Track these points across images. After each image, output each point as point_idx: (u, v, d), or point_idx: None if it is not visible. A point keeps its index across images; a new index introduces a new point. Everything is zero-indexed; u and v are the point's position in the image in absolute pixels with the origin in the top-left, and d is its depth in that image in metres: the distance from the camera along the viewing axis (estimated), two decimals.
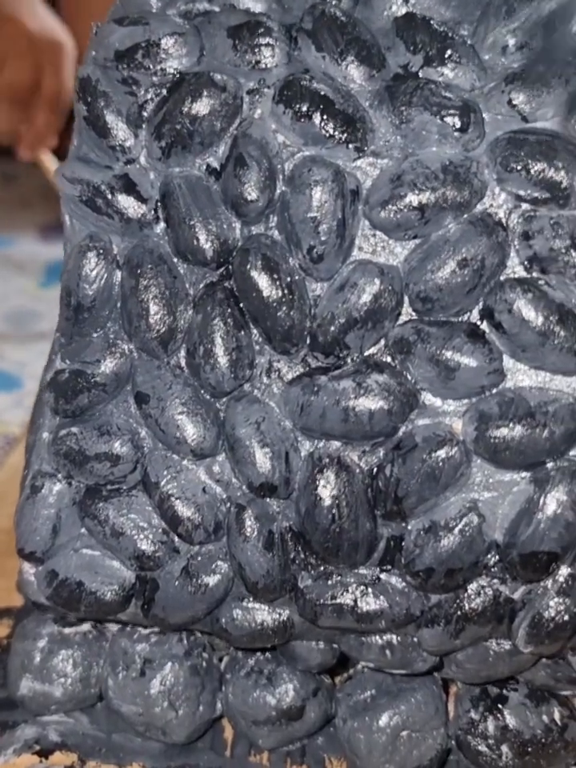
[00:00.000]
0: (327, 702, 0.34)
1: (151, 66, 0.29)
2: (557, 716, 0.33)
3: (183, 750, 0.34)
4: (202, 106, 0.29)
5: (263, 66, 0.29)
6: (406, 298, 0.28)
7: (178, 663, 0.33)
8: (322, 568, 0.30)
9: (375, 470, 0.29)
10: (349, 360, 0.29)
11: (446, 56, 0.28)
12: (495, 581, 0.29)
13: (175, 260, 0.30)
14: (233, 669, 0.34)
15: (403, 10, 0.29)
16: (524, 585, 0.29)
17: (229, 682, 0.34)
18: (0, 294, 0.65)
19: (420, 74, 0.28)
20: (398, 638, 0.31)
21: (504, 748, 0.32)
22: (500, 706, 0.33)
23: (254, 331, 0.29)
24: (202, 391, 0.30)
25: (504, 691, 0.33)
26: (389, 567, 0.29)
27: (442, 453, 0.28)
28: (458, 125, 0.27)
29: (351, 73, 0.29)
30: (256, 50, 0.29)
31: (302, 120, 0.28)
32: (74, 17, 0.79)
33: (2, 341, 0.60)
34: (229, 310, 0.29)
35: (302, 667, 0.33)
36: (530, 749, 0.32)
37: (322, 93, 0.28)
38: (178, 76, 0.29)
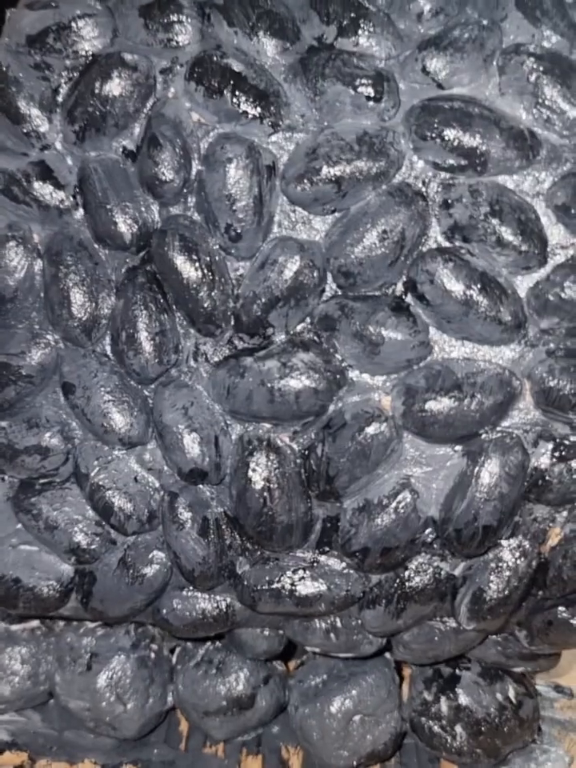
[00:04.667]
0: (280, 689, 0.33)
1: (63, 49, 0.29)
2: (511, 693, 0.32)
3: (136, 745, 0.33)
4: (113, 87, 0.28)
5: (175, 43, 0.28)
6: (329, 274, 0.28)
7: (124, 656, 0.32)
8: (259, 553, 0.29)
9: (306, 450, 0.28)
10: (275, 340, 0.28)
11: (360, 25, 0.28)
12: (435, 558, 0.29)
13: (96, 246, 0.29)
14: (183, 659, 0.34)
15: None
16: (464, 560, 0.29)
17: (179, 673, 0.33)
18: None
19: (335, 45, 0.28)
20: (342, 621, 0.30)
21: (458, 728, 0.32)
22: (453, 685, 0.32)
23: (178, 315, 0.29)
24: (129, 378, 0.29)
25: (457, 671, 0.33)
26: (327, 549, 0.29)
27: (370, 429, 0.27)
28: (371, 94, 0.27)
29: (264, 47, 0.28)
30: (168, 28, 0.28)
31: (215, 96, 0.27)
32: None
33: None
34: (151, 294, 0.28)
35: (250, 655, 0.32)
36: (483, 728, 0.32)
37: (234, 68, 0.27)
38: (90, 58, 0.29)
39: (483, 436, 0.27)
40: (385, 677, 0.32)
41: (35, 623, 0.34)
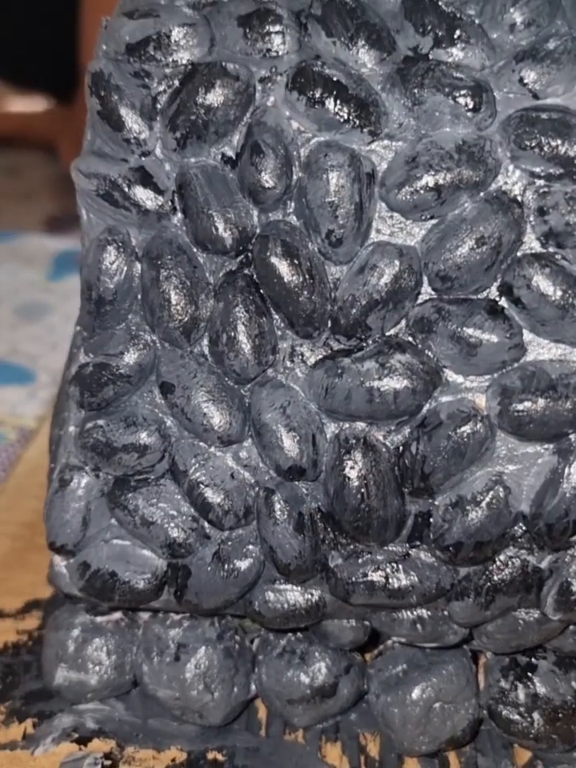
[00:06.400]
0: (359, 678, 0.34)
1: (163, 58, 0.30)
2: None
3: (219, 732, 0.34)
4: (215, 96, 0.29)
5: (274, 53, 0.29)
6: (425, 278, 0.29)
7: (211, 647, 0.33)
8: (351, 547, 0.30)
9: (401, 448, 0.29)
10: (370, 341, 0.29)
11: (455, 36, 0.29)
12: (522, 551, 0.30)
13: (194, 250, 0.30)
14: (265, 650, 0.34)
15: None
16: (551, 554, 0.30)
17: (262, 663, 0.34)
18: (9, 288, 0.65)
19: (430, 56, 0.29)
20: (429, 612, 0.31)
21: (535, 715, 0.33)
22: (529, 674, 0.33)
23: (276, 317, 0.30)
24: (226, 378, 0.30)
25: (533, 660, 0.33)
26: (418, 543, 0.30)
27: (467, 428, 0.28)
28: (471, 105, 0.28)
29: (362, 57, 0.29)
30: (266, 38, 0.29)
31: (316, 106, 0.28)
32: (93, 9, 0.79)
33: (14, 334, 0.61)
34: (250, 297, 0.29)
35: (334, 645, 0.33)
36: (560, 714, 0.33)
37: (335, 78, 0.28)
38: (190, 67, 0.29)
39: (573, 435, 0.28)
40: (463, 666, 0.33)
41: (119, 615, 0.35)
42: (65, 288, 0.64)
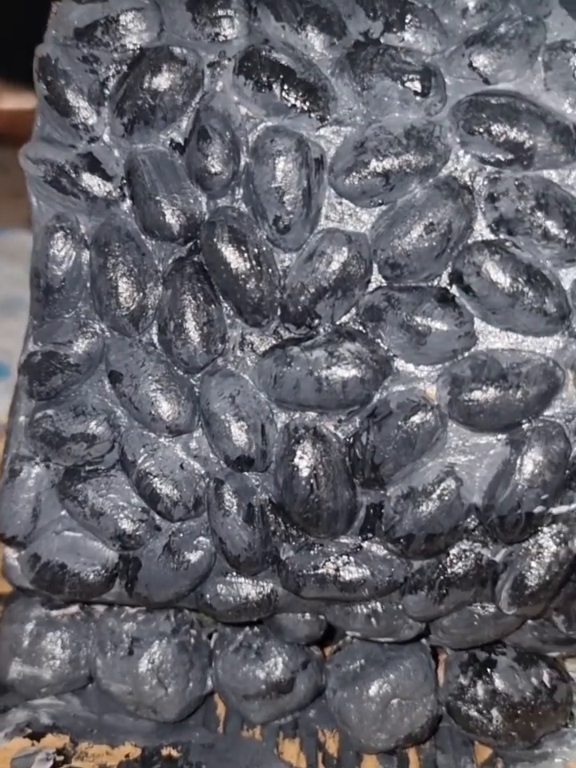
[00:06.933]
0: (317, 673, 0.34)
1: (111, 43, 0.29)
2: (545, 678, 0.33)
3: (175, 728, 0.34)
4: (162, 81, 0.28)
5: (223, 37, 0.29)
6: (374, 266, 0.28)
7: (165, 641, 0.33)
8: (303, 539, 0.30)
9: (351, 438, 0.29)
10: (320, 330, 0.29)
11: (406, 21, 0.28)
12: (476, 544, 0.29)
13: (143, 237, 0.29)
14: (222, 644, 0.34)
15: None
16: (505, 547, 0.29)
17: (218, 658, 0.34)
18: None
19: (381, 40, 0.28)
20: (383, 606, 0.31)
21: (494, 712, 0.32)
22: (489, 670, 0.33)
23: (225, 305, 0.29)
24: (176, 367, 0.29)
25: (492, 655, 0.33)
26: (370, 535, 0.30)
27: (416, 418, 0.28)
28: (419, 89, 0.27)
29: (311, 41, 0.28)
30: (215, 22, 0.29)
31: (263, 90, 0.28)
32: None
33: None
34: (198, 285, 0.29)
35: (290, 640, 0.33)
36: (519, 711, 0.32)
37: (283, 62, 0.28)
38: (138, 51, 0.29)
39: (525, 425, 0.28)
40: (421, 661, 0.33)
41: (75, 608, 0.34)
42: None
